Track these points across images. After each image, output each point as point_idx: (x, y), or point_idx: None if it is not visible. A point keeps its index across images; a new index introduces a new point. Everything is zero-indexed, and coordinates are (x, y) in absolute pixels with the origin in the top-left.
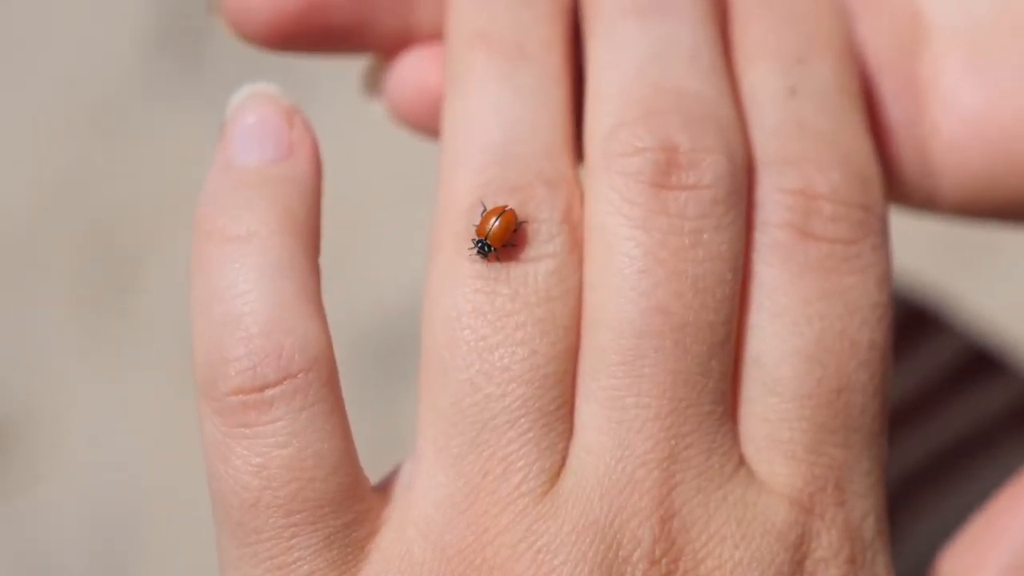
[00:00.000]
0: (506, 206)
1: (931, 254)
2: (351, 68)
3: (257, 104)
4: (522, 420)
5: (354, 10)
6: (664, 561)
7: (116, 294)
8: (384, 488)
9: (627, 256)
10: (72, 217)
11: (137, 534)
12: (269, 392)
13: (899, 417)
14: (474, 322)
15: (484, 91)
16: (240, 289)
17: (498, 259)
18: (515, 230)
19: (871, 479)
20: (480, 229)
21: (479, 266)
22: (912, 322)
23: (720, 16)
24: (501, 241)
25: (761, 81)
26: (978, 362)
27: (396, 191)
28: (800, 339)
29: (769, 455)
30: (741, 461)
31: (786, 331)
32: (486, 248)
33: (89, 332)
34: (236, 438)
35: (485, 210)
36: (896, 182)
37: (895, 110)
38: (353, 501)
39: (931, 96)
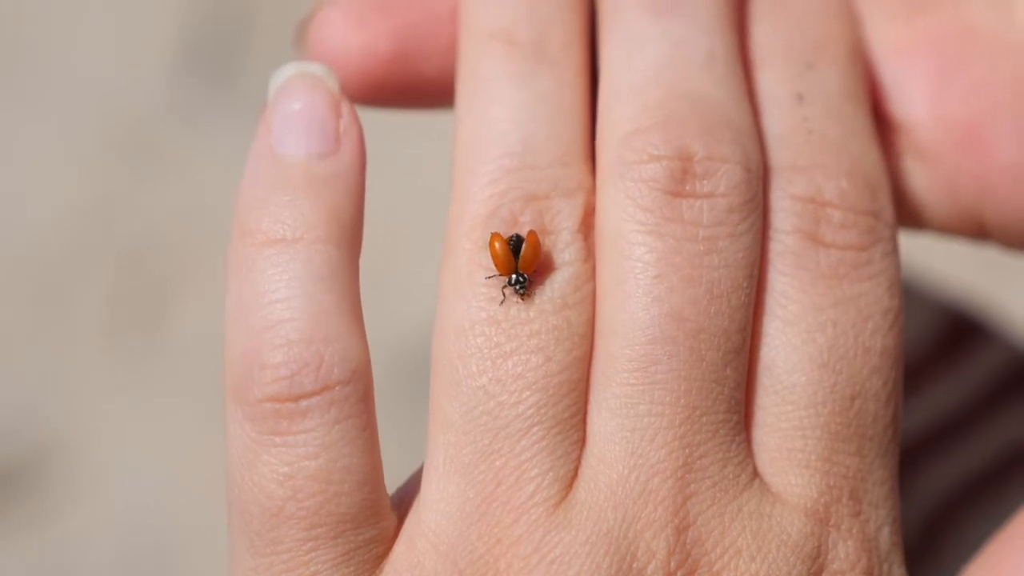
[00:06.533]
0: (509, 235)
1: (972, 263)
2: None
3: (303, 88)
4: (536, 428)
5: (444, 62)
6: (679, 574)
7: (147, 321)
8: (396, 503)
9: (640, 262)
10: (102, 244)
11: (168, 562)
12: (304, 402)
13: (944, 433)
14: (488, 330)
15: (502, 95)
16: (281, 295)
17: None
18: (537, 252)
19: (885, 489)
20: (504, 265)
21: (494, 276)
22: (955, 335)
23: (737, 18)
24: (534, 265)
25: (770, 85)
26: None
27: (411, 213)
28: (813, 346)
29: (783, 465)
30: (755, 472)
31: (799, 339)
32: (522, 280)
33: (120, 359)
34: (265, 445)
35: (512, 239)
36: (1018, 227)
37: (1013, 150)
38: (376, 519)
39: None
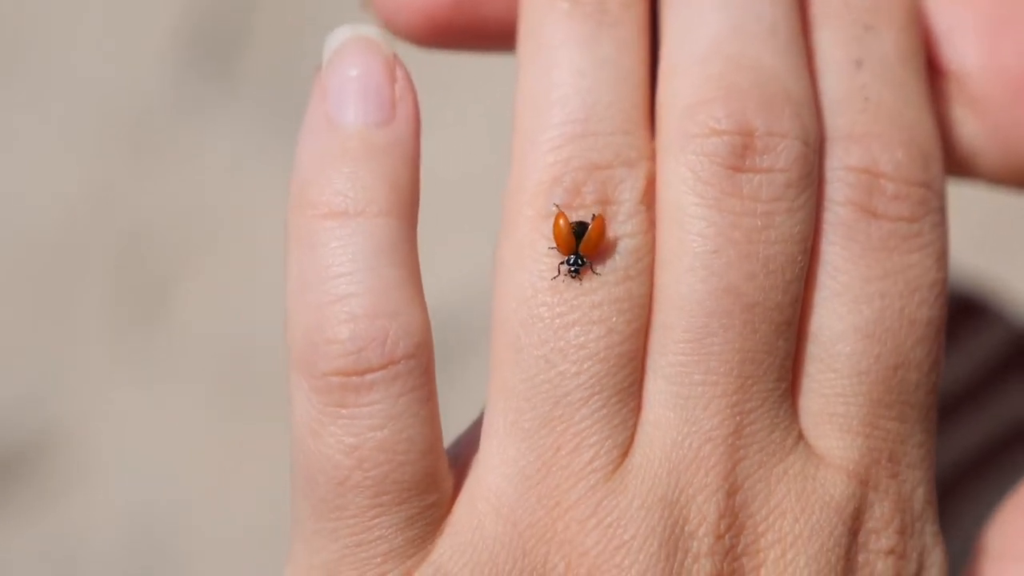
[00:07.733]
0: (573, 217)
1: (975, 242)
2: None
3: (359, 52)
4: (596, 398)
5: (508, 4)
6: (728, 536)
7: (149, 310)
8: (449, 463)
9: (700, 235)
10: (104, 234)
11: (172, 550)
12: (370, 376)
13: (947, 408)
14: (550, 299)
15: (564, 58)
16: (345, 269)
17: (591, 269)
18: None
19: (922, 451)
20: (565, 245)
21: (554, 248)
22: (958, 312)
23: None
24: (596, 250)
25: (827, 48)
26: None
27: (455, 181)
28: (859, 317)
29: (826, 428)
30: (800, 435)
31: (845, 309)
32: (580, 262)
33: (122, 353)
34: (331, 417)
35: (575, 225)
36: None
37: None
38: (437, 483)
39: None
